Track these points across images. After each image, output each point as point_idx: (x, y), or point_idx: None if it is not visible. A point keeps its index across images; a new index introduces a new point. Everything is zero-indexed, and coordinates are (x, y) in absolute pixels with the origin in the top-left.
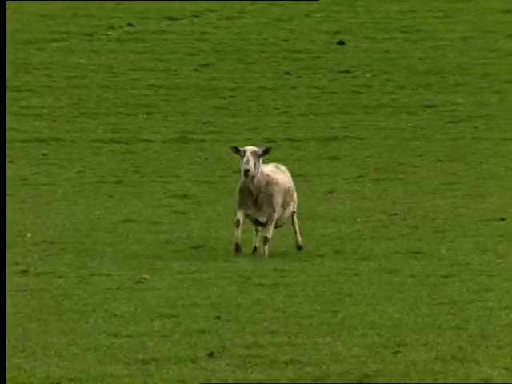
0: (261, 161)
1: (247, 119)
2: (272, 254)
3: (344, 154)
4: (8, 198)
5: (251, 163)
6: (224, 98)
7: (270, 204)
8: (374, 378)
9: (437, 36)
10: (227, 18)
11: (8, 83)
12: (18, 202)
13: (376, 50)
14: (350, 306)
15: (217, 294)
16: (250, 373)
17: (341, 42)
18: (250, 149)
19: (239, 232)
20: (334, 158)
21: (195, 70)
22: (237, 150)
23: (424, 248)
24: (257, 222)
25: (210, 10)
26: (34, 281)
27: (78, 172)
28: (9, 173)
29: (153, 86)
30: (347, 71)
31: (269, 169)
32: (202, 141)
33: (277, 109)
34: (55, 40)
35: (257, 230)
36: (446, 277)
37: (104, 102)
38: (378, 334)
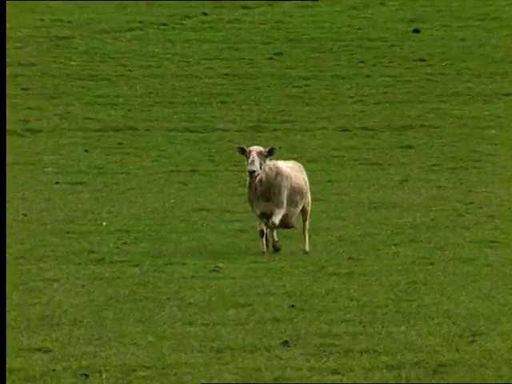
0: (267, 161)
1: (321, 108)
2: (346, 243)
3: (419, 142)
4: (83, 187)
5: (256, 164)
6: (298, 86)
7: (279, 194)
8: (449, 367)
9: None
10: (301, 7)
11: (83, 72)
12: (93, 191)
13: (451, 38)
14: (424, 295)
15: (291, 283)
16: (325, 362)
17: (416, 31)
18: (255, 149)
19: (264, 241)
20: (409, 146)
21: (270, 58)
22: (242, 151)
23: (500, 237)
24: (265, 215)
25: None
26: (109, 269)
27: (153, 161)
28: (84, 162)
29: (227, 74)
30: (422, 59)
31: (286, 164)
32: (276, 130)
33: (351, 97)
34: (130, 29)
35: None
36: None
37: (179, 91)
38: (453, 323)
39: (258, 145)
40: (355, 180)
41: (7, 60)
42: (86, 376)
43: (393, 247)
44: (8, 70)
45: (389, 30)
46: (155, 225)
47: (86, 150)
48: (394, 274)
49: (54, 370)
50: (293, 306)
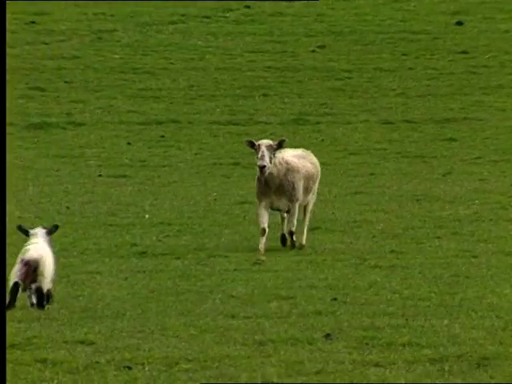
0: (277, 154)
1: (364, 101)
2: (389, 236)
3: (462, 135)
4: (126, 179)
5: (266, 158)
6: (341, 79)
7: (292, 192)
8: (492, 360)
9: None
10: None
11: (126, 65)
12: (136, 183)
13: (495, 31)
14: (468, 288)
15: (333, 276)
16: (367, 355)
17: (459, 23)
18: (264, 143)
19: (264, 241)
20: (452, 139)
21: (312, 51)
22: (251, 144)
23: None
24: (279, 210)
25: None
26: (152, 262)
27: (196, 154)
28: (127, 155)
29: (270, 67)
30: (465, 52)
31: (293, 154)
32: (319, 122)
33: (394, 90)
34: (173, 22)
35: (283, 218)
36: None
37: (221, 84)
38: (496, 316)
39: (300, 138)
40: (398, 173)
41: (50, 53)
42: (129, 368)
43: (435, 240)
44: (51, 64)
45: (432, 23)
46: (198, 218)
47: (128, 143)
48: (437, 267)
49: (97, 363)
50: (335, 299)
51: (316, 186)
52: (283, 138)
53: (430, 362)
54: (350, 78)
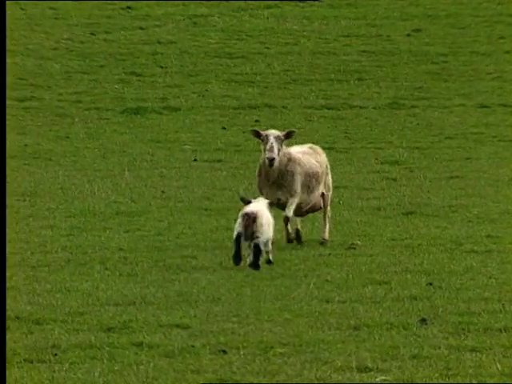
0: (283, 145)
1: (459, 84)
2: (485, 221)
3: None
4: (221, 164)
5: (275, 150)
6: (436, 63)
7: (292, 182)
8: None
9: None
10: None
11: (221, 50)
12: (230, 168)
13: None
14: None
15: (428, 261)
16: (463, 340)
17: None
18: (272, 133)
19: (289, 227)
20: None
21: (407, 35)
22: (258, 134)
23: None
24: (279, 204)
25: None
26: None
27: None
28: (222, 139)
29: (364, 51)
30: None
31: (299, 150)
32: (414, 106)
33: (490, 74)
34: (268, 7)
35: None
36: None
37: (316, 69)
38: None
39: (395, 122)
40: (494, 157)
41: (146, 38)
42: (225, 352)
43: None
44: (147, 49)
45: None
46: None
47: (223, 128)
48: None
49: (192, 346)
50: (430, 284)
51: (325, 185)
52: (292, 129)
53: None
54: (445, 61)
